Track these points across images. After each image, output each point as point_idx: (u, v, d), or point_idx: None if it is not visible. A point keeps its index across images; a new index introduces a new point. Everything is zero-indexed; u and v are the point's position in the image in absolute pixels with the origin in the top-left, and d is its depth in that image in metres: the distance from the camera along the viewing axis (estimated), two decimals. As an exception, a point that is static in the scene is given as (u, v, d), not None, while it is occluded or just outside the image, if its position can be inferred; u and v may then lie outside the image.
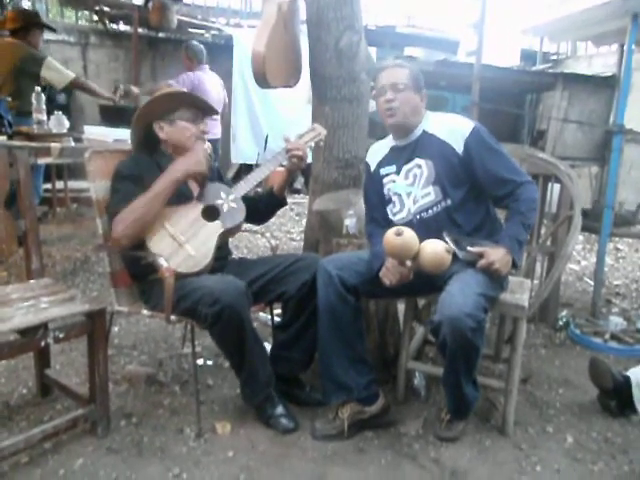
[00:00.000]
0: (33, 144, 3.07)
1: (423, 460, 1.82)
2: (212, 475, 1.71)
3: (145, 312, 1.97)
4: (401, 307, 2.27)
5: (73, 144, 3.29)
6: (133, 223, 1.83)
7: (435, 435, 1.95)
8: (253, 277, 2.01)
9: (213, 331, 1.83)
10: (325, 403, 2.00)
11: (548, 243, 2.91)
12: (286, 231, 5.24)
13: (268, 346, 2.20)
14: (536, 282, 2.76)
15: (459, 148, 1.88)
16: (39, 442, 1.73)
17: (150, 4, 5.99)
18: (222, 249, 2.07)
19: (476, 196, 1.93)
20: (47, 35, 4.49)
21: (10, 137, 3.10)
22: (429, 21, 8.09)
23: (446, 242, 1.79)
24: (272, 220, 2.45)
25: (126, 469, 1.71)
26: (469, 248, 1.83)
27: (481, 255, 1.80)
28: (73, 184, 4.70)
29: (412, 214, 1.94)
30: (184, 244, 1.90)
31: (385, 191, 2.04)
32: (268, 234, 2.66)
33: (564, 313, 3.11)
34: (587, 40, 5.31)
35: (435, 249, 1.74)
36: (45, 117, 3.45)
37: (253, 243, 4.60)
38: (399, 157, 2.01)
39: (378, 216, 2.05)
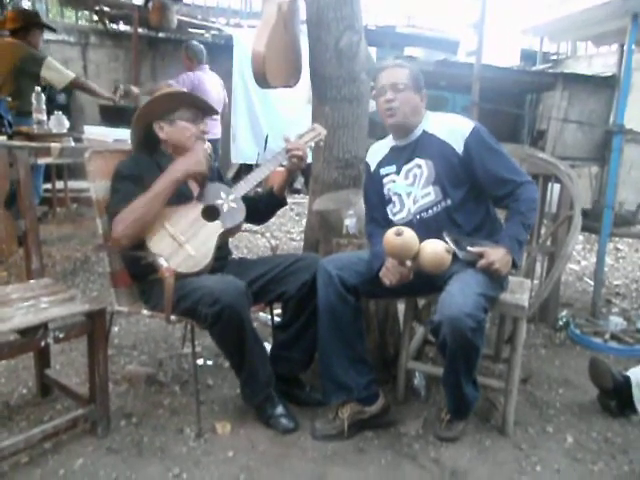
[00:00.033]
0: (33, 144, 3.07)
1: (423, 460, 1.82)
2: (212, 475, 1.71)
3: (145, 312, 1.97)
4: (401, 307, 2.27)
5: (73, 144, 3.29)
6: (133, 223, 1.83)
7: (435, 435, 1.95)
8: (253, 277, 2.02)
9: (213, 331, 1.83)
10: (325, 403, 2.00)
11: (548, 243, 2.91)
12: (286, 231, 5.24)
13: (268, 346, 2.20)
14: (536, 282, 2.76)
15: (459, 148, 1.88)
16: (39, 442, 1.73)
17: (150, 4, 5.99)
18: (222, 249, 2.07)
19: (476, 196, 1.93)
20: (47, 35, 4.49)
21: (10, 137, 3.10)
22: (429, 21, 8.10)
23: (446, 242, 1.79)
24: (272, 220, 2.45)
25: (126, 469, 1.71)
26: (469, 248, 1.83)
27: (481, 255, 1.80)
28: (73, 184, 4.70)
29: (412, 214, 1.94)
30: (184, 244, 1.90)
31: (385, 191, 2.04)
32: (268, 234, 2.66)
33: (564, 313, 3.11)
34: (587, 40, 5.31)
35: (435, 249, 1.74)
36: (45, 117, 3.45)
37: (253, 243, 4.60)
38: (399, 157, 2.01)
39: (378, 216, 2.05)
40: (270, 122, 6.54)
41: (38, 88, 3.52)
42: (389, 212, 2.02)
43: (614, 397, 2.12)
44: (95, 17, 6.69)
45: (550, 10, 3.42)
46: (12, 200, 2.08)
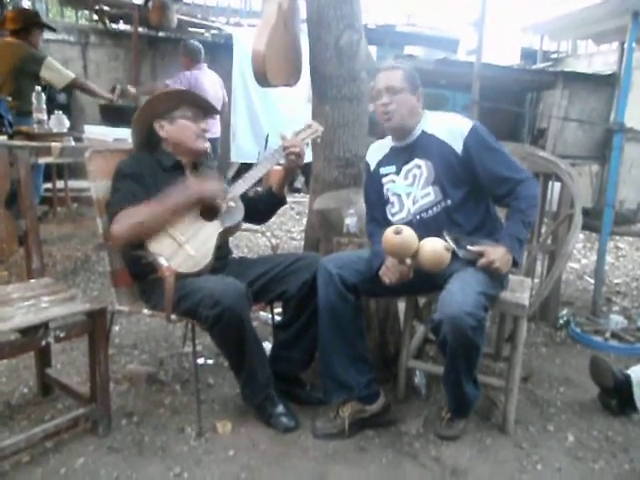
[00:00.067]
0: (33, 144, 3.07)
1: (424, 459, 1.82)
2: (213, 474, 1.71)
3: (146, 311, 1.97)
4: (401, 306, 2.27)
5: (73, 143, 3.29)
6: (133, 227, 1.83)
7: (436, 434, 1.95)
8: (253, 276, 2.02)
9: (213, 332, 1.83)
10: (326, 402, 2.00)
11: (549, 242, 2.91)
12: (286, 230, 5.24)
13: (268, 346, 2.21)
14: (536, 281, 2.77)
15: (458, 148, 1.88)
16: (40, 441, 1.73)
17: (150, 3, 5.98)
18: (222, 248, 2.07)
19: (476, 196, 1.93)
20: (47, 35, 4.49)
21: (10, 137, 3.10)
22: (429, 20, 8.09)
23: (446, 240, 1.79)
24: (272, 219, 2.45)
25: (127, 468, 1.71)
26: (469, 247, 1.83)
27: (481, 254, 1.80)
28: (73, 184, 4.71)
29: (412, 214, 1.94)
30: (184, 244, 1.90)
31: (384, 191, 2.04)
32: (268, 233, 2.66)
33: (565, 312, 3.11)
34: (587, 38, 5.29)
35: (434, 247, 1.74)
36: (45, 117, 3.45)
37: (253, 242, 4.60)
38: (399, 157, 2.01)
39: (378, 215, 2.05)
40: (270, 121, 6.54)
41: (38, 88, 3.52)
42: (388, 213, 2.02)
43: (615, 396, 2.12)
44: (95, 16, 6.68)
45: (550, 8, 3.42)
46: (13, 200, 2.08)
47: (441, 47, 6.20)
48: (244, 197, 2.08)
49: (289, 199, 2.49)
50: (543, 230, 3.08)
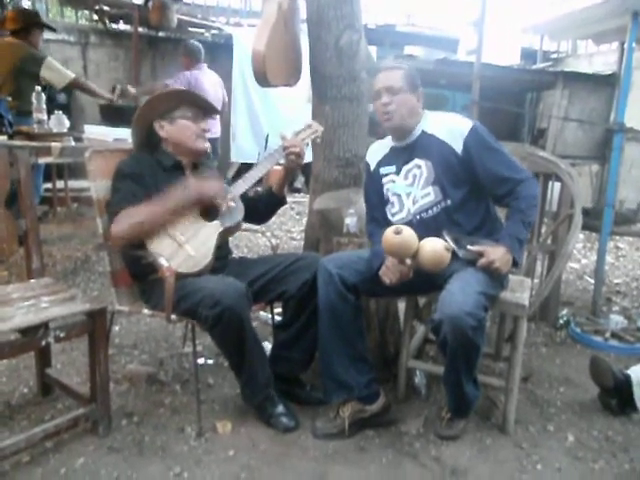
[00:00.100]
0: (33, 144, 3.07)
1: (424, 459, 1.82)
2: (213, 474, 1.71)
3: (146, 311, 1.97)
4: (401, 306, 2.27)
5: (73, 143, 3.30)
6: (133, 226, 1.83)
7: (436, 434, 1.95)
8: (254, 276, 2.02)
9: (213, 332, 1.83)
10: (326, 402, 2.00)
11: (549, 242, 2.91)
12: (286, 230, 5.24)
13: (268, 345, 2.21)
14: (536, 281, 2.77)
15: (458, 148, 1.88)
16: (40, 441, 1.73)
17: (150, 3, 5.98)
18: (222, 248, 2.07)
19: (476, 196, 1.93)
20: (47, 35, 4.49)
21: (10, 137, 3.10)
22: (429, 19, 8.09)
23: (446, 240, 1.79)
24: (272, 219, 2.45)
25: (127, 468, 1.72)
26: (469, 247, 1.83)
27: (481, 254, 1.80)
28: (73, 183, 4.71)
29: (412, 214, 1.94)
30: (184, 244, 1.90)
31: (384, 191, 2.04)
32: (269, 233, 2.66)
33: (565, 312, 3.11)
34: (587, 38, 5.29)
35: (434, 247, 1.74)
36: (45, 117, 3.45)
37: (253, 242, 4.60)
38: (399, 157, 2.01)
39: (379, 215, 2.05)
40: (270, 121, 6.54)
41: (38, 88, 3.53)
42: (388, 213, 2.02)
43: (615, 395, 2.12)
44: (95, 16, 6.68)
45: (550, 8, 3.42)
46: (13, 200, 2.08)
47: (441, 47, 6.20)
48: (244, 197, 2.08)
49: (289, 199, 2.49)
50: (543, 230, 3.08)
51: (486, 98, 3.23)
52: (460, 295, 1.68)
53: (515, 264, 1.84)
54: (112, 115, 4.90)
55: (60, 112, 3.60)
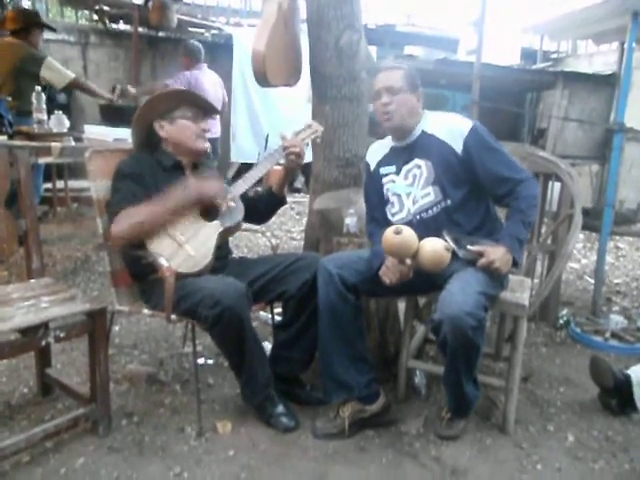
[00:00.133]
0: (34, 144, 3.07)
1: (424, 459, 1.82)
2: (213, 474, 1.71)
3: (146, 311, 1.97)
4: (402, 306, 2.27)
5: (73, 143, 3.30)
6: (133, 226, 1.83)
7: (436, 434, 1.95)
8: (254, 276, 2.02)
9: (213, 332, 1.83)
10: (326, 402, 2.00)
11: (549, 242, 2.91)
12: (286, 230, 5.24)
13: (268, 346, 2.21)
14: (536, 281, 2.77)
15: (458, 148, 1.88)
16: (40, 441, 1.73)
17: (150, 3, 5.99)
18: (222, 248, 2.07)
19: (476, 196, 1.93)
20: (47, 35, 4.49)
21: (10, 137, 3.10)
22: (429, 19, 8.09)
23: (446, 240, 1.79)
24: (272, 219, 2.45)
25: (127, 468, 1.72)
26: (469, 247, 1.83)
27: (481, 254, 1.80)
28: (73, 183, 4.71)
29: (412, 214, 1.94)
30: (184, 244, 1.90)
31: (384, 191, 2.04)
32: (269, 233, 2.66)
33: (565, 312, 3.11)
34: (587, 38, 5.29)
35: (434, 247, 1.74)
36: (45, 117, 3.45)
37: (253, 242, 4.60)
38: (399, 157, 2.01)
39: (379, 216, 2.05)
40: (270, 121, 6.54)
41: (38, 88, 3.53)
42: (388, 213, 2.02)
43: (615, 395, 2.12)
44: (95, 16, 6.68)
45: (550, 8, 3.42)
46: (13, 200, 2.08)
47: (441, 47, 6.20)
48: (244, 197, 2.08)
49: (289, 199, 2.49)
50: (543, 230, 3.08)
51: (486, 98, 3.23)
52: (460, 295, 1.68)
53: (515, 264, 1.84)
54: (112, 115, 4.90)
55: (60, 112, 3.60)
